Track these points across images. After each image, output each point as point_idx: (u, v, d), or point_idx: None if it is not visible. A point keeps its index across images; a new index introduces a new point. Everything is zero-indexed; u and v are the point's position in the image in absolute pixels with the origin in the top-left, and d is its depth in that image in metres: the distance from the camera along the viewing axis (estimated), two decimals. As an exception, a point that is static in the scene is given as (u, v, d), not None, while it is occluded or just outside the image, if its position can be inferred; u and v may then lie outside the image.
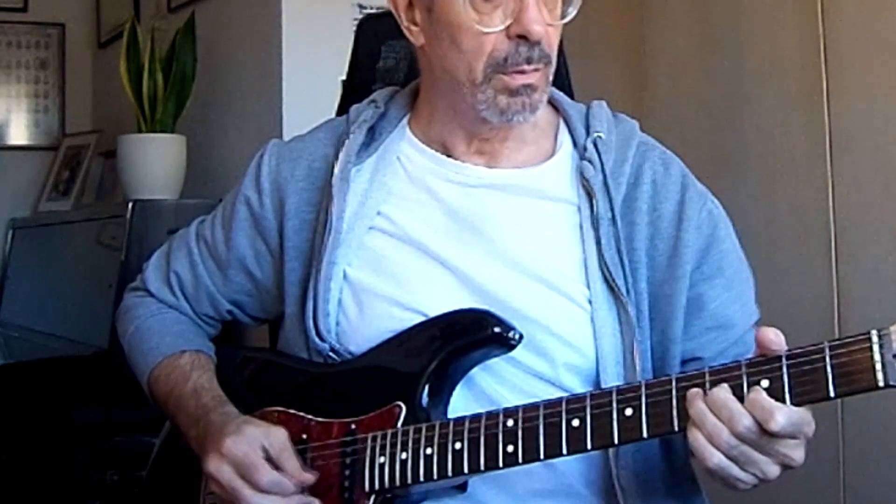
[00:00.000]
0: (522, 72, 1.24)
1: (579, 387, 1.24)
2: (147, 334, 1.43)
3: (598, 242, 1.26)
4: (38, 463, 2.58)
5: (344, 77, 1.80)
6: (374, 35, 1.76)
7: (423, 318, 1.26)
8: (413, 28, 1.31)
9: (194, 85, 2.89)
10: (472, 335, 1.22)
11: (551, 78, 1.29)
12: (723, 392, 1.03)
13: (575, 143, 1.35)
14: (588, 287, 1.26)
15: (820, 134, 1.96)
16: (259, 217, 1.39)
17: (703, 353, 1.28)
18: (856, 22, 1.90)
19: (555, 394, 1.19)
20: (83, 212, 3.35)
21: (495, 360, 1.24)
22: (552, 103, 1.39)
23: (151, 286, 1.47)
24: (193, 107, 2.91)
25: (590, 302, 1.25)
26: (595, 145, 1.32)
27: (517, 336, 1.21)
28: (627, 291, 1.25)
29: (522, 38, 1.23)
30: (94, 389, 2.65)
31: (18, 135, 3.77)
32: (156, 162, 2.87)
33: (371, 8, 2.59)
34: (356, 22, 1.89)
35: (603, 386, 1.21)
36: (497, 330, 1.21)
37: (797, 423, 1.03)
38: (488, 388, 1.24)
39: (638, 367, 1.22)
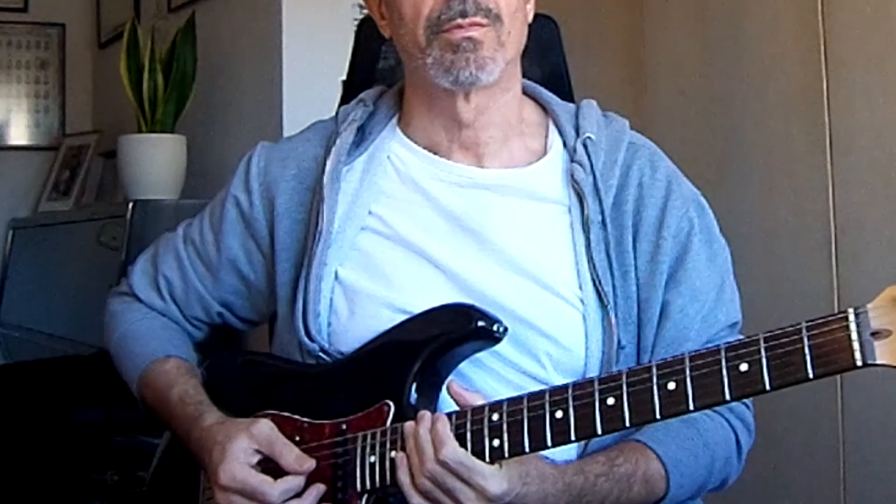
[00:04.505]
0: (459, 26, 1.24)
1: (570, 386, 1.24)
2: (133, 339, 1.43)
3: (588, 245, 1.26)
4: (38, 463, 2.58)
5: (344, 77, 1.80)
6: (374, 35, 1.74)
7: None
8: (382, 22, 1.35)
9: (194, 85, 2.88)
10: (457, 330, 1.21)
11: (505, 39, 1.27)
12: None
13: (565, 144, 1.34)
14: (580, 288, 1.26)
15: (820, 134, 1.95)
16: (249, 218, 1.39)
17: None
18: (856, 22, 1.90)
19: (547, 392, 1.19)
20: (83, 212, 3.35)
21: (490, 359, 1.24)
22: (540, 103, 1.38)
23: (140, 292, 1.46)
24: (193, 107, 2.91)
25: (582, 301, 1.25)
26: (585, 147, 1.31)
27: (502, 329, 1.20)
28: (615, 296, 1.25)
29: None
30: (94, 389, 2.64)
31: (18, 135, 3.77)
32: (156, 162, 2.87)
33: (371, 8, 2.59)
34: (356, 22, 1.89)
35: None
36: (481, 323, 1.21)
37: (464, 462, 1.09)
38: (484, 385, 1.24)
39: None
